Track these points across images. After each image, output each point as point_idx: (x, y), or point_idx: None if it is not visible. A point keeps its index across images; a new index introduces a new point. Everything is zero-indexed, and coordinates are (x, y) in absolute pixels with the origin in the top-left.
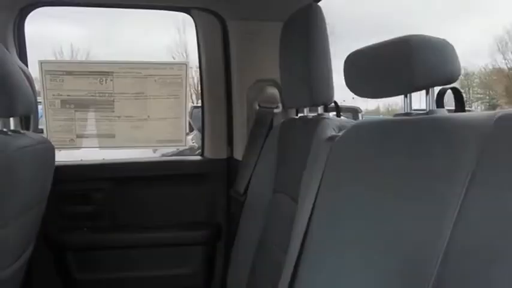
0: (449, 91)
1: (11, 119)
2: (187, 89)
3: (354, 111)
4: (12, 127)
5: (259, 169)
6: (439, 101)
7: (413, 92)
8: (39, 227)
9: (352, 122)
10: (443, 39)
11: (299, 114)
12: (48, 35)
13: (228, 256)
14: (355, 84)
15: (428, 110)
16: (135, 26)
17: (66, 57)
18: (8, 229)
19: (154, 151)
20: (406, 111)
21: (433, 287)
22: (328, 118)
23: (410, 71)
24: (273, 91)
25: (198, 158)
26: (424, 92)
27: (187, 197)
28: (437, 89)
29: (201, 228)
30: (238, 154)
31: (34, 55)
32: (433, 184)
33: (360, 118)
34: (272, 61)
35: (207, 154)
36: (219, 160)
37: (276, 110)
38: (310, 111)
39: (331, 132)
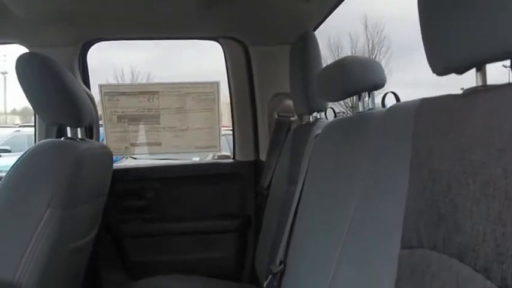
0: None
1: (78, 130)
2: (219, 103)
3: None
4: (79, 136)
5: (279, 167)
6: (383, 102)
7: (350, 96)
8: (102, 215)
9: None
10: (372, 59)
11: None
12: (111, 61)
13: (257, 242)
14: (323, 92)
15: (369, 108)
16: (192, 50)
17: (127, 79)
18: (79, 210)
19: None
20: (360, 110)
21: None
22: (320, 121)
23: (345, 82)
24: (289, 102)
25: (231, 160)
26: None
27: (222, 193)
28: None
29: (233, 219)
30: (263, 156)
31: (99, 79)
32: (352, 168)
33: None
34: (287, 77)
35: (238, 157)
36: (247, 162)
37: (292, 118)
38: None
39: (319, 131)
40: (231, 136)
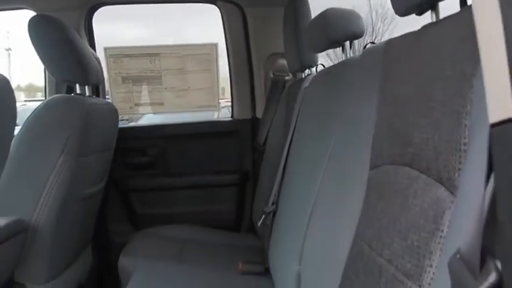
0: None
1: (86, 88)
2: (218, 64)
3: None
4: (87, 93)
5: (274, 124)
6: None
7: (334, 46)
8: (109, 171)
9: None
10: (352, 10)
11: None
12: (116, 36)
13: (254, 194)
14: (311, 44)
15: (347, 57)
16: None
17: None
18: (89, 159)
19: None
20: (342, 59)
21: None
22: (310, 75)
23: (327, 32)
24: (283, 62)
25: (229, 118)
26: None
27: (221, 150)
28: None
29: (232, 174)
30: (259, 114)
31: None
32: (332, 108)
33: None
34: (281, 38)
35: (236, 115)
36: (245, 120)
37: (287, 77)
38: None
39: (307, 84)
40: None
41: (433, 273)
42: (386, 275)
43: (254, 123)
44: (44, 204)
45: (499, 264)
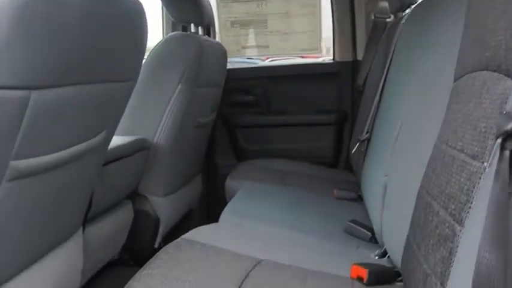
0: None
1: (199, 28)
2: (320, 8)
3: None
4: (200, 33)
5: (374, 66)
6: None
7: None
8: (218, 107)
9: None
10: None
11: None
12: None
13: (351, 134)
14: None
15: None
16: None
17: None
18: (202, 91)
19: None
20: None
21: None
22: (410, 10)
23: None
24: (385, 4)
25: (331, 60)
26: None
27: (322, 90)
28: None
29: (332, 113)
30: (360, 56)
31: None
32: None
33: None
34: None
35: (337, 57)
36: (346, 62)
37: (388, 20)
38: None
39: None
40: None
41: (494, 150)
42: (457, 162)
43: (355, 65)
44: (163, 127)
45: None
